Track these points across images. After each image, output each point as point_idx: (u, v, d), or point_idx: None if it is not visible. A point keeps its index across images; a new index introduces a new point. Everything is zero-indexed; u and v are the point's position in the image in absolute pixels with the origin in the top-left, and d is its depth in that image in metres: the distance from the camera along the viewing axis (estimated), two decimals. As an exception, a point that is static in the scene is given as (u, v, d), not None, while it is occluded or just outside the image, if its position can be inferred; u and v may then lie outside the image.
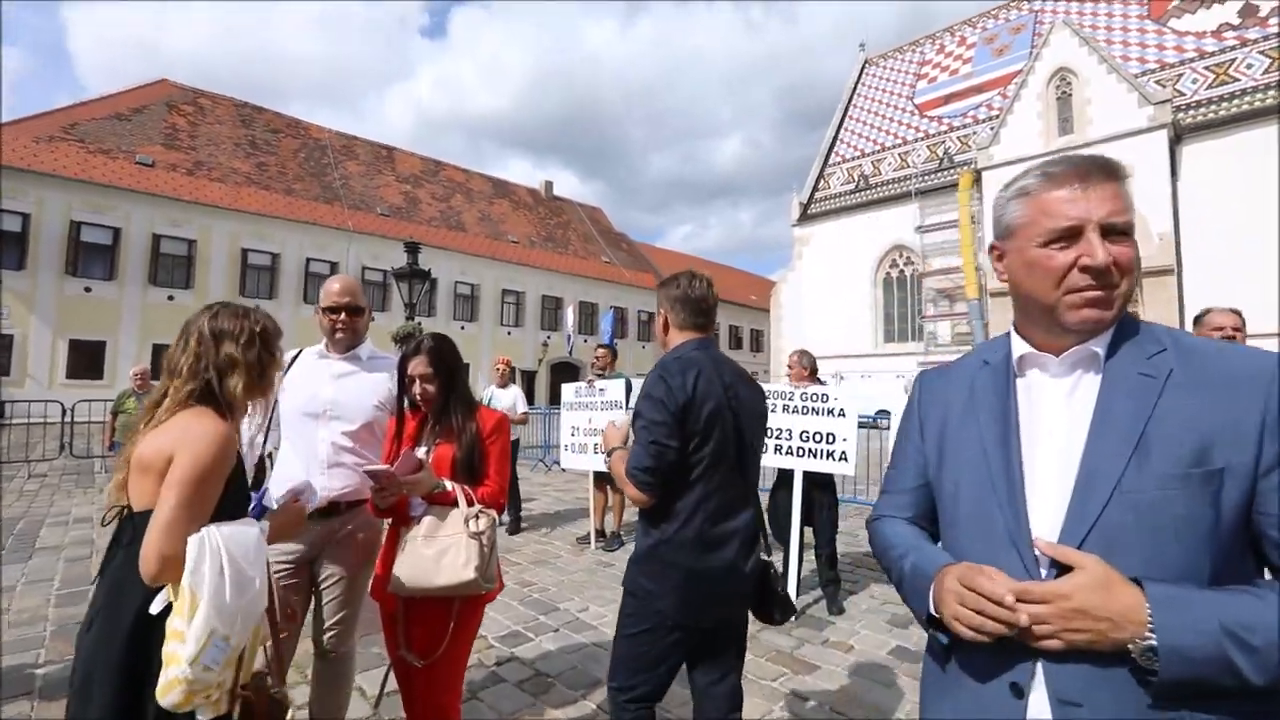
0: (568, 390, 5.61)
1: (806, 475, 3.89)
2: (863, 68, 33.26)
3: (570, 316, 27.86)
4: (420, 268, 11.86)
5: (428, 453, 1.92)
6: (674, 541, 1.69)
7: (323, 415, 2.15)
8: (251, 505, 1.54)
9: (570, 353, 28.38)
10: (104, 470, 9.69)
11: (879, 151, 29.39)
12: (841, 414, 3.78)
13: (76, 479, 8.82)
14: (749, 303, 46.03)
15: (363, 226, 26.38)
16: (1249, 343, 1.37)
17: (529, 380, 31.73)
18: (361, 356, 2.28)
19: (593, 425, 5.25)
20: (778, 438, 3.96)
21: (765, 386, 4.11)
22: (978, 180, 23.56)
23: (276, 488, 1.73)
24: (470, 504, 1.80)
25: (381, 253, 26.32)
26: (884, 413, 23.18)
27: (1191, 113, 20.21)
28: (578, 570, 4.83)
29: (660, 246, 49.32)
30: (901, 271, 27.41)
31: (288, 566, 2.07)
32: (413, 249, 11.91)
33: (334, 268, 25.56)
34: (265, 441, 2.08)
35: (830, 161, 31.10)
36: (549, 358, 32.17)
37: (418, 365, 1.93)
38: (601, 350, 5.67)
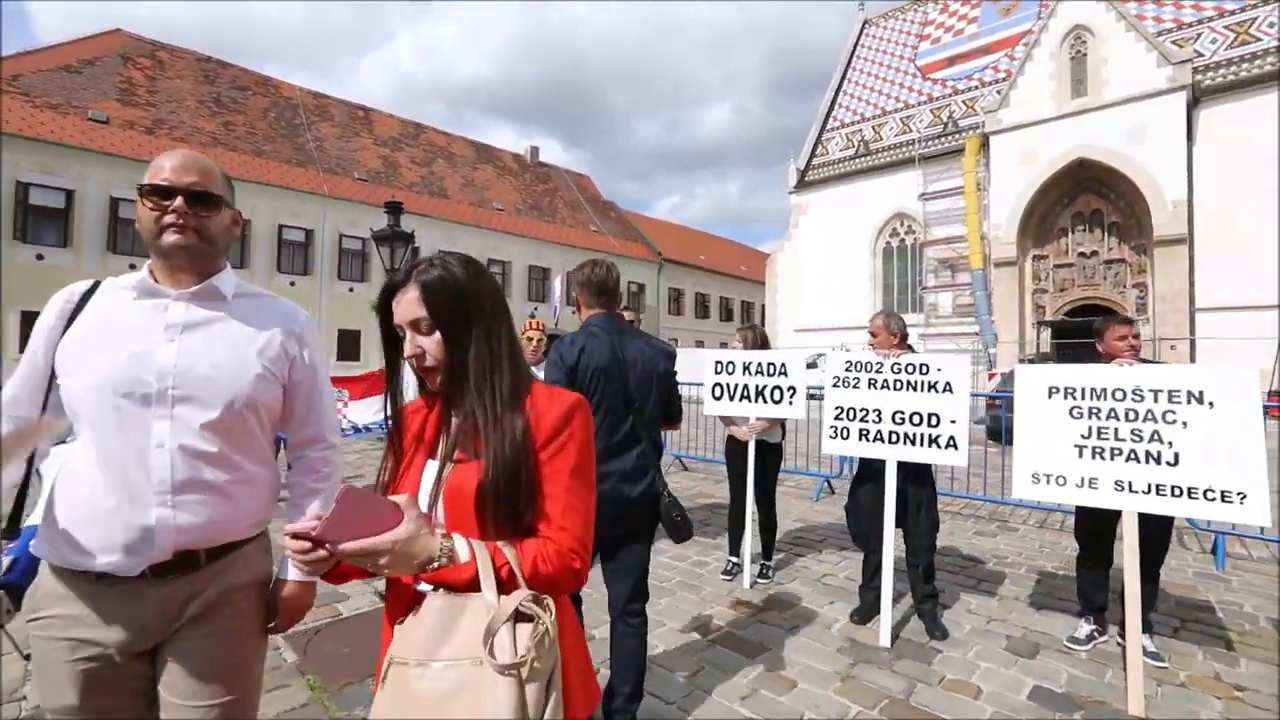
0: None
1: (900, 467, 3.09)
2: (861, 28, 31.93)
3: (558, 287, 26.85)
4: (403, 230, 10.81)
5: (438, 479, 1.02)
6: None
7: (157, 397, 1.21)
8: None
9: (556, 324, 27.41)
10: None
11: (880, 116, 28.34)
12: (948, 389, 2.96)
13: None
14: (739, 274, 45.12)
15: (339, 191, 24.92)
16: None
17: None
18: (224, 293, 1.36)
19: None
20: (862, 419, 3.15)
21: (846, 357, 3.31)
22: (985, 145, 22.71)
23: (53, 526, 1.14)
24: (506, 587, 0.89)
25: (359, 219, 24.92)
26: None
27: (1210, 74, 19.42)
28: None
29: (649, 215, 48.04)
30: (902, 240, 26.65)
31: (91, 664, 1.17)
32: (394, 209, 10.84)
33: (309, 235, 24.20)
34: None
35: (829, 126, 30.00)
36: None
37: (406, 306, 1.05)
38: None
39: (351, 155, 27.51)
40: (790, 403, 3.74)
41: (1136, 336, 2.96)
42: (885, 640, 2.97)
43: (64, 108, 20.35)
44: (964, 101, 25.68)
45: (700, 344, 38.11)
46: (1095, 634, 3.00)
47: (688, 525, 2.29)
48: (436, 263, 1.06)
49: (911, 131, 26.58)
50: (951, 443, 2.91)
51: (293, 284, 23.77)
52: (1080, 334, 20.18)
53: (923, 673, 2.71)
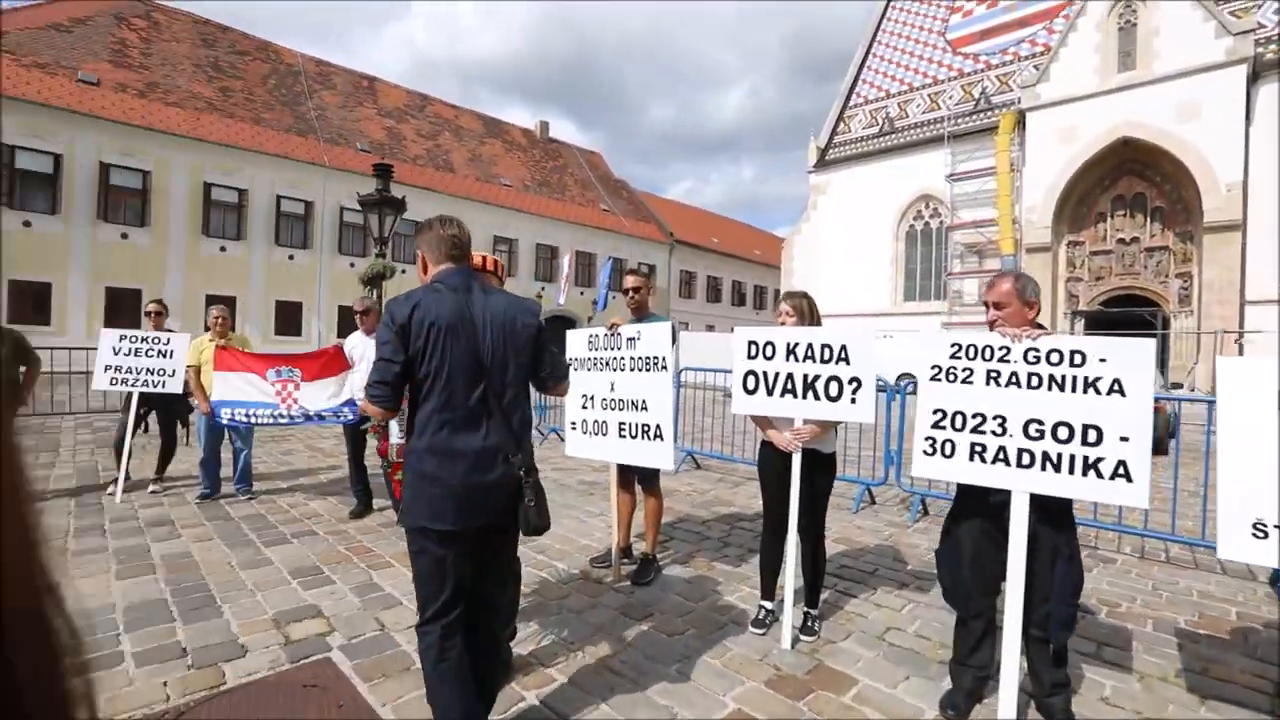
0: (575, 340, 3.76)
1: (1033, 500, 2.11)
2: (888, 0, 30.29)
3: (567, 266, 25.85)
4: (392, 195, 9.85)
5: None
6: (417, 451, 1.89)
7: None
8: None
9: (562, 303, 26.46)
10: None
11: (906, 92, 26.87)
12: (1117, 389, 1.98)
13: None
14: (754, 258, 43.87)
15: (340, 163, 23.95)
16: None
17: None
18: None
19: (617, 394, 3.45)
20: (977, 430, 2.18)
21: (952, 338, 2.33)
22: (1020, 123, 21.34)
23: None
24: None
25: (362, 191, 23.94)
26: (908, 377, 21.67)
27: (1272, 47, 17.91)
28: (597, 616, 3.11)
29: (663, 197, 46.74)
30: (927, 224, 25.37)
31: None
32: (383, 171, 9.87)
33: (309, 207, 23.28)
34: None
35: (851, 103, 28.55)
36: (544, 310, 30.17)
37: None
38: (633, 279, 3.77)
39: (354, 125, 26.49)
40: (854, 400, 2.77)
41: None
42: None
43: (53, 68, 19.43)
44: (998, 77, 24.18)
45: (711, 328, 36.99)
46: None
47: (540, 515, 2.00)
48: None
49: (940, 108, 25.16)
50: (1122, 471, 1.94)
51: (291, 257, 22.94)
52: (1119, 325, 19.01)
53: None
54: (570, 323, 31.83)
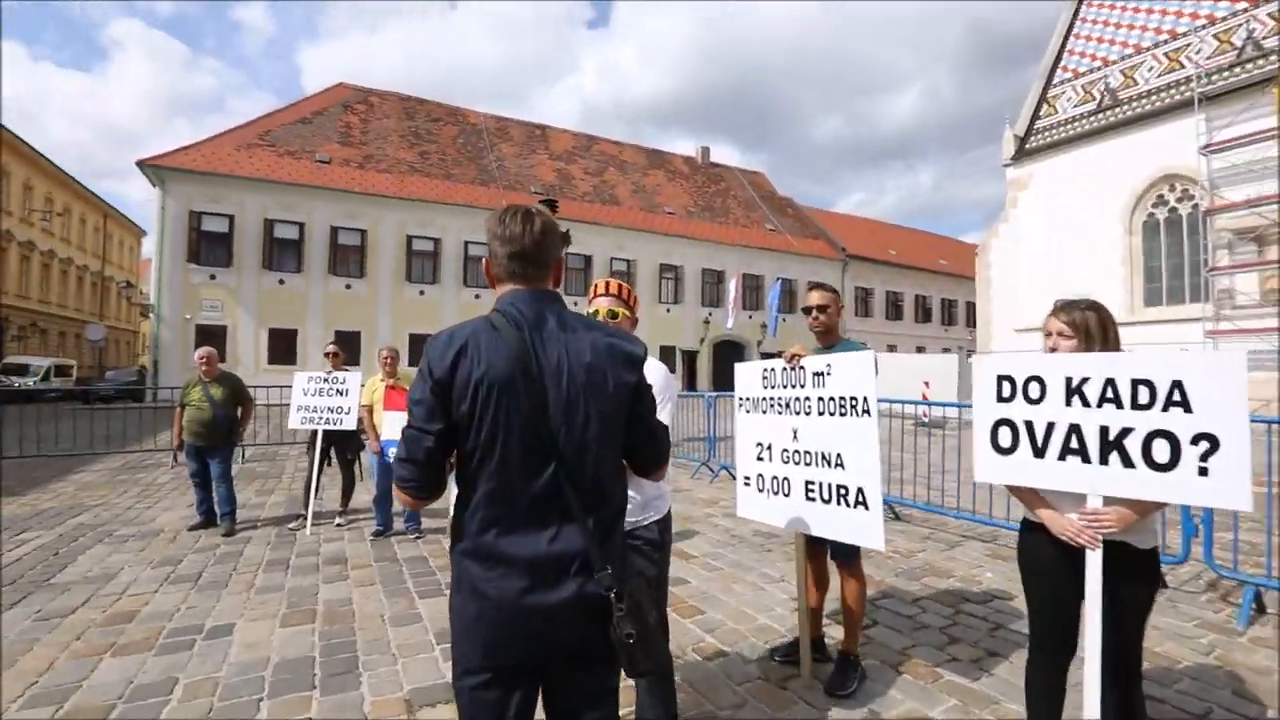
0: (746, 375, 3.03)
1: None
2: (1101, -46, 25.76)
3: (733, 290, 25.19)
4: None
5: None
6: (461, 553, 1.34)
7: None
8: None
9: (729, 326, 25.72)
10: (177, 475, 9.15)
11: (1132, 55, 22.42)
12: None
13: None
14: (937, 268, 39.58)
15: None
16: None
17: (690, 361, 29.64)
18: None
19: (802, 444, 2.66)
20: None
21: None
22: (1313, 67, 16.53)
23: None
24: None
25: (535, 232, 25.70)
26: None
27: None
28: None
29: (832, 211, 44.31)
30: (1173, 210, 20.66)
31: None
32: (548, 205, 10.07)
33: (491, 250, 25.40)
34: None
35: (1056, 79, 24.54)
36: (711, 336, 29.75)
37: None
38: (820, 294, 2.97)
39: (528, 171, 28.64)
40: (1203, 470, 1.69)
41: None
42: None
43: (299, 154, 23.52)
44: (1270, 15, 19.14)
45: (892, 349, 33.82)
46: None
47: (646, 652, 1.30)
48: None
49: (1184, 67, 20.52)
50: None
51: (477, 296, 25.13)
52: None
53: None
54: (742, 350, 31.02)
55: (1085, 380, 1.91)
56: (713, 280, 30.47)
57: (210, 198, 21.26)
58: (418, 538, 5.22)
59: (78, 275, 34.92)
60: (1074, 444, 1.91)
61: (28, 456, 8.81)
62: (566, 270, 23.38)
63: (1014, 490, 2.12)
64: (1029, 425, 1.97)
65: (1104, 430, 1.86)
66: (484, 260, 1.48)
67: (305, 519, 5.45)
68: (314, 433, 5.69)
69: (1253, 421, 1.86)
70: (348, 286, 23.13)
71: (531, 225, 1.39)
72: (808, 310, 2.95)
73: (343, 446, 5.82)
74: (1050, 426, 1.92)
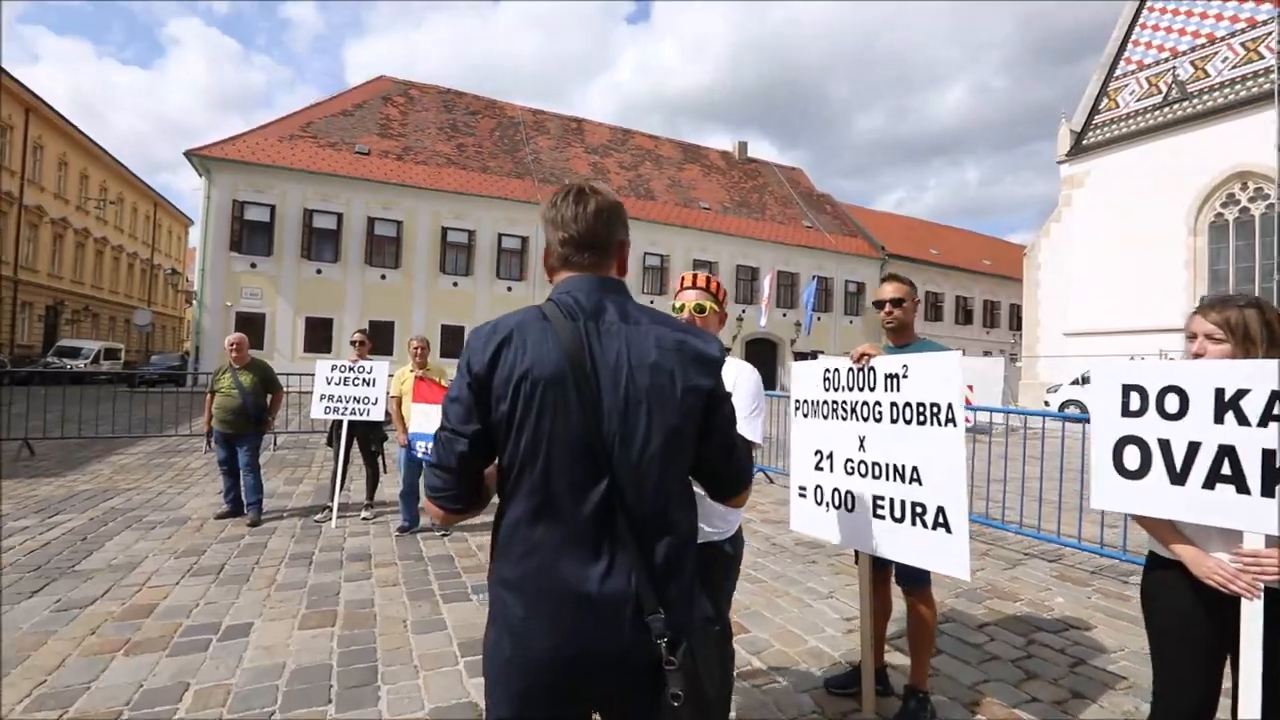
0: (805, 376, 2.72)
1: None
2: (1169, -61, 24.35)
3: (767, 287, 24.68)
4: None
5: None
6: (498, 583, 1.14)
7: None
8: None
9: (762, 324, 25.22)
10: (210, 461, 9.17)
11: (1203, 45, 21.13)
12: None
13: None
14: (981, 268, 38.27)
15: (551, 199, 25.82)
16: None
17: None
18: None
19: (869, 454, 2.35)
20: None
21: None
22: None
23: None
24: None
25: (569, 225, 25.60)
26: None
27: None
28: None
29: (871, 209, 43.19)
30: (1244, 209, 19.45)
31: None
32: (582, 198, 9.84)
33: (524, 242, 25.38)
34: None
35: (1119, 71, 23.31)
36: (744, 333, 29.26)
37: None
38: None
39: (564, 164, 28.51)
40: None
41: None
42: None
43: (339, 145, 23.79)
44: (1360, 3, 17.79)
45: (848, 353, 32.73)
46: None
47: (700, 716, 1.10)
48: None
49: (1264, 57, 19.24)
50: None
51: (509, 289, 25.14)
52: None
53: None
54: (775, 347, 30.39)
55: (1243, 393, 1.56)
56: (747, 277, 29.96)
57: (253, 188, 21.66)
58: (444, 535, 5.04)
59: (128, 262, 36.17)
60: (1226, 469, 1.56)
61: (69, 438, 8.96)
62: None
63: (1143, 521, 1.77)
64: (1164, 445, 1.62)
65: (1269, 455, 1.51)
66: (544, 250, 1.30)
67: (331, 511, 5.33)
68: (336, 423, 5.54)
69: None
70: (383, 277, 23.35)
71: (585, 205, 1.20)
72: (879, 304, 2.65)
73: (366, 438, 5.65)
74: (1193, 448, 1.57)
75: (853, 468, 2.44)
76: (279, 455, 8.80)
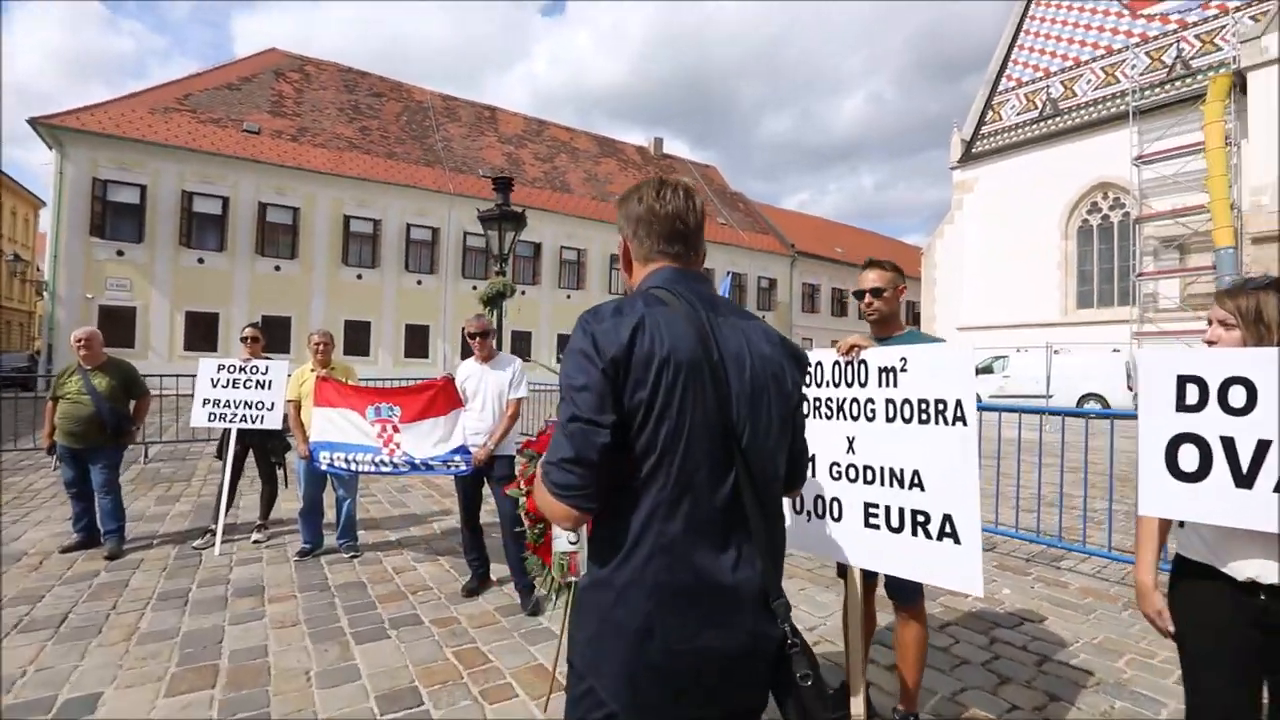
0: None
1: None
2: (1043, -32, 26.67)
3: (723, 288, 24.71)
4: (512, 208, 9.20)
5: None
6: (616, 585, 1.07)
7: None
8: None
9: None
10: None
11: (1072, 68, 23.30)
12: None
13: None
14: (882, 267, 40.47)
15: (463, 189, 24.63)
16: None
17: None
18: None
19: (859, 457, 2.12)
20: None
21: None
22: (1239, 86, 17.46)
23: None
24: None
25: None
26: (1094, 397, 17.96)
27: None
28: None
29: (780, 208, 44.63)
30: (1106, 217, 21.61)
31: None
32: (503, 185, 9.24)
33: (435, 233, 24.08)
34: None
35: (1002, 87, 25.29)
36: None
37: None
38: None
39: (476, 153, 27.34)
40: None
41: None
42: None
43: (224, 121, 21.51)
44: (1197, 36, 20.19)
45: (835, 344, 34.27)
46: None
47: (822, 700, 1.09)
48: None
49: (1120, 81, 21.43)
50: None
51: (419, 282, 23.78)
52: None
53: None
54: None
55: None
56: (665, 273, 30.04)
57: (118, 164, 19.09)
58: (354, 557, 4.43)
59: (-41, 248, 31.11)
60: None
61: None
62: (515, 258, 22.43)
63: (1159, 525, 1.62)
64: (1228, 443, 1.44)
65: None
66: (621, 243, 1.31)
67: (215, 535, 4.55)
68: (226, 433, 4.76)
69: None
70: (277, 268, 21.35)
71: (694, 202, 1.25)
72: (860, 295, 2.45)
73: (264, 449, 4.90)
74: (1263, 446, 1.41)
75: (839, 472, 2.20)
76: (150, 469, 7.64)
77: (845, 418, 2.20)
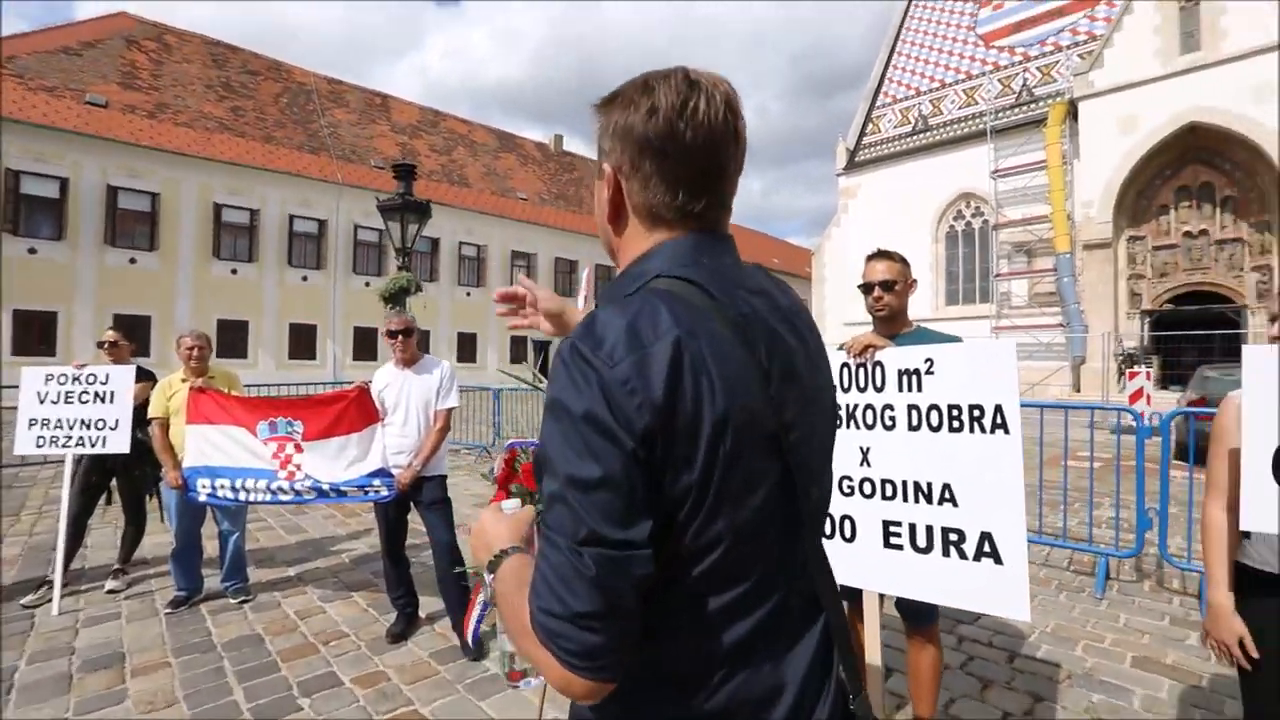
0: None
1: None
2: (912, -3, 29.26)
3: (585, 282, 24.65)
4: (415, 199, 8.81)
5: None
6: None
7: None
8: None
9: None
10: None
11: (939, 89, 25.70)
12: None
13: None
14: (772, 266, 42.52)
15: (353, 180, 23.15)
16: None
17: (542, 350, 28.79)
18: None
19: (876, 469, 1.99)
20: None
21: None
22: (1072, 113, 20.05)
23: None
24: None
25: (375, 209, 23.17)
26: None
27: (1351, 19, 16.54)
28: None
29: (679, 208, 45.69)
30: (969, 223, 24.05)
31: None
32: (405, 173, 8.83)
33: (322, 226, 22.46)
34: None
35: (880, 102, 27.42)
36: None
37: None
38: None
39: (367, 142, 25.80)
40: None
41: None
42: None
43: (60, 90, 18.84)
44: (1039, 68, 22.96)
45: (842, 346, 35.65)
46: None
47: None
48: None
49: (978, 104, 23.94)
50: None
51: (305, 278, 22.09)
52: (1192, 324, 17.55)
53: None
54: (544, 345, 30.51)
55: None
56: (566, 269, 29.86)
57: (-82, 136, 16.18)
58: (244, 602, 3.68)
59: None
60: None
61: None
62: (413, 255, 21.62)
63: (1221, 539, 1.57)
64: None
65: None
66: (607, 182, 0.81)
67: (52, 588, 3.64)
68: (77, 459, 3.91)
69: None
70: (133, 261, 18.98)
71: (739, 124, 0.77)
72: (867, 289, 2.22)
73: (130, 476, 4.09)
74: None
75: (851, 487, 2.01)
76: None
77: (858, 426, 2.02)
